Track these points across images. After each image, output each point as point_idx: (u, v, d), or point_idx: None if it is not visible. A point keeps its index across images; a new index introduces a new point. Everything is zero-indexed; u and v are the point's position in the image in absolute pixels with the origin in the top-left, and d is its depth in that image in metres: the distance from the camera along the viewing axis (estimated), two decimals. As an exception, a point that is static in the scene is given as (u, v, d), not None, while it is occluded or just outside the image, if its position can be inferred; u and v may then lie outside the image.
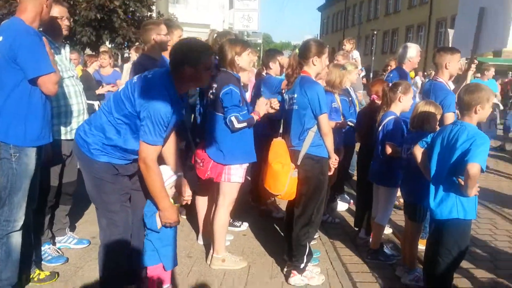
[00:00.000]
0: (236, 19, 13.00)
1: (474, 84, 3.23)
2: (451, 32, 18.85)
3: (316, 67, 3.66)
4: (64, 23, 3.63)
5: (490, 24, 4.52)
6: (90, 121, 2.93)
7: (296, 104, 3.61)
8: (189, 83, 2.95)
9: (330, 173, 3.77)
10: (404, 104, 4.06)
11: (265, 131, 4.61)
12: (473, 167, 2.76)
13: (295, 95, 3.62)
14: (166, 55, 3.95)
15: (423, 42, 31.23)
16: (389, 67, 7.29)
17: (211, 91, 3.78)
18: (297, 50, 3.77)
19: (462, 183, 2.90)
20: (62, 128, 3.69)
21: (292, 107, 3.67)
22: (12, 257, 3.01)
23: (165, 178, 3.00)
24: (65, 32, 3.68)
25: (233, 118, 3.60)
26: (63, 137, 3.69)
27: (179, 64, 2.83)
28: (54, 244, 3.96)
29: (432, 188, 3.16)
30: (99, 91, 6.93)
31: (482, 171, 2.80)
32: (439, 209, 3.09)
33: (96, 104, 6.74)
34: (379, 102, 4.45)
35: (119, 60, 15.53)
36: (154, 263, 3.15)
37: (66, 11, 3.65)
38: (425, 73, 18.15)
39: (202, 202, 4.39)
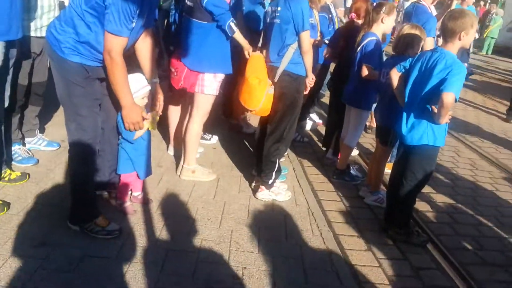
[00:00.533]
0: None
1: (459, 10, 3.21)
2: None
3: None
4: None
5: None
6: (60, 17, 2.73)
7: (279, 18, 3.48)
8: None
9: (306, 92, 3.77)
10: (386, 25, 3.97)
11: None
12: (448, 96, 2.81)
13: (279, 8, 3.48)
14: None
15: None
16: None
17: None
18: None
19: (436, 110, 2.96)
20: (32, 24, 3.47)
21: (273, 20, 3.55)
22: None
23: (138, 87, 2.93)
24: None
25: (232, 24, 3.53)
26: (32, 34, 3.49)
27: None
28: (24, 145, 3.90)
29: (404, 114, 3.22)
30: None
31: (455, 100, 2.86)
32: (410, 135, 3.17)
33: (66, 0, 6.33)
34: (358, 21, 4.38)
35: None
36: (128, 171, 3.20)
37: None
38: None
39: (174, 113, 4.36)
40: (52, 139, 4.20)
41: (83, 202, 2.96)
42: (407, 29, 3.66)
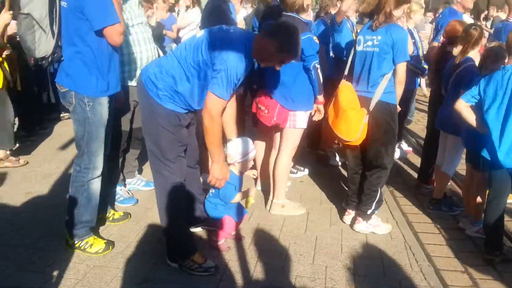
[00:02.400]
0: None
1: None
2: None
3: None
4: None
5: None
6: (160, 64, 2.92)
7: (377, 46, 3.45)
8: (258, 54, 2.88)
9: None
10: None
11: (332, 73, 4.53)
12: None
13: (378, 37, 3.44)
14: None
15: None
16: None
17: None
18: None
19: None
20: (132, 75, 3.75)
21: (369, 49, 3.52)
22: (92, 202, 3.17)
23: (248, 149, 3.11)
24: None
25: (317, 65, 3.61)
26: (134, 84, 3.76)
27: (271, 33, 2.87)
28: (125, 186, 4.15)
29: (494, 139, 3.05)
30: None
31: None
32: (509, 158, 3.00)
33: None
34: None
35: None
36: (218, 216, 3.28)
37: None
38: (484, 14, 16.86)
39: (259, 148, 4.43)
40: (148, 179, 4.43)
41: (178, 241, 3.08)
42: (492, 48, 3.52)
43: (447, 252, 3.51)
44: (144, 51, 3.77)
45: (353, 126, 3.56)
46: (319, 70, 3.67)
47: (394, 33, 3.37)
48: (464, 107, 3.26)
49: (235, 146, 3.14)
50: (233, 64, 2.69)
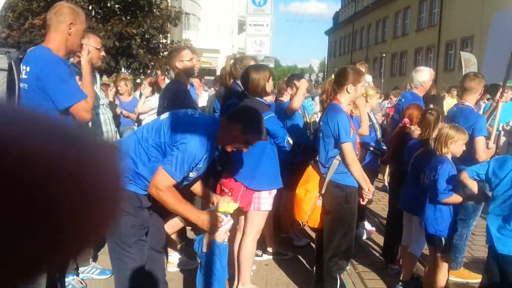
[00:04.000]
0: (248, 44, 13.10)
1: None
2: (463, 54, 18.86)
3: (350, 95, 3.57)
4: (100, 54, 3.65)
5: None
6: (120, 146, 2.86)
7: (321, 131, 3.57)
8: (223, 139, 2.89)
9: (363, 203, 3.68)
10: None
11: (287, 158, 4.55)
12: None
13: (321, 123, 3.59)
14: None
15: (433, 64, 31.22)
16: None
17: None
18: (333, 76, 3.72)
19: None
20: None
21: (319, 134, 3.64)
22: None
23: (225, 221, 2.96)
24: (99, 63, 3.69)
25: (289, 139, 3.65)
26: None
27: (234, 117, 2.88)
28: (77, 275, 3.87)
29: (492, 223, 3.06)
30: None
31: None
32: (502, 243, 2.99)
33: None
34: (410, 126, 4.39)
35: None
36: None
37: (100, 42, 3.67)
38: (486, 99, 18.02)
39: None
40: (105, 266, 4.17)
41: None
42: (444, 128, 3.61)
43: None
44: (105, 132, 3.72)
45: (302, 207, 3.62)
46: (291, 141, 3.70)
47: (329, 117, 3.45)
48: (469, 180, 3.28)
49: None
50: (193, 148, 2.65)
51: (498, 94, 4.58)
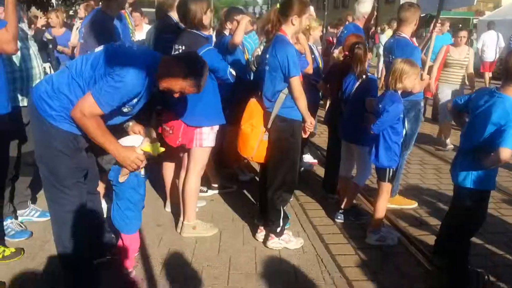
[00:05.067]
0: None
1: None
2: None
3: (295, 27, 3.48)
4: None
5: None
6: (52, 82, 2.64)
7: (268, 65, 3.48)
8: (162, 76, 2.73)
9: (305, 136, 3.72)
10: None
11: (230, 93, 4.49)
12: (506, 152, 2.72)
13: (267, 56, 3.48)
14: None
15: (376, -4, 31.17)
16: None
17: (175, 54, 3.60)
18: (278, 5, 3.57)
19: (486, 160, 2.88)
20: (19, 95, 3.41)
21: (264, 67, 3.54)
22: None
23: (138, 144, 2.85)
24: None
25: (232, 70, 3.56)
26: (21, 104, 3.44)
27: (181, 58, 2.79)
28: (16, 218, 3.76)
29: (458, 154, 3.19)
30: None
31: None
32: (456, 174, 3.12)
33: (47, 66, 6.33)
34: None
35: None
36: (128, 231, 3.03)
37: None
38: (379, 28, 18.23)
39: (168, 170, 4.28)
40: (45, 208, 4.04)
41: (80, 276, 2.82)
42: (397, 63, 3.62)
43: (357, 262, 3.59)
44: (31, 68, 3.46)
45: (249, 142, 3.61)
46: (234, 73, 3.63)
47: (278, 51, 3.37)
48: (451, 109, 3.37)
49: (125, 143, 2.83)
50: (128, 80, 2.50)
51: (432, 25, 4.65)
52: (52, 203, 2.74)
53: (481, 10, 24.59)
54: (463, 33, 6.87)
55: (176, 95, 2.86)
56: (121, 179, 2.83)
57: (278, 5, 3.57)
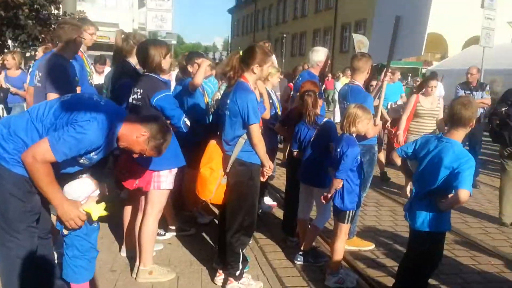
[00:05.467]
0: (149, 19, 12.59)
1: (468, 99, 3.26)
2: (355, 36, 19.89)
3: (256, 76, 3.57)
4: None
5: (406, 32, 4.73)
6: (9, 124, 2.60)
7: (228, 110, 3.52)
8: (123, 135, 2.75)
9: (263, 179, 3.75)
10: None
11: (188, 136, 4.49)
12: (464, 194, 2.83)
13: (228, 101, 3.54)
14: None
15: (329, 45, 32.57)
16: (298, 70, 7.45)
17: (133, 97, 3.62)
18: (240, 53, 3.65)
19: (444, 203, 3.00)
20: None
21: (224, 112, 3.59)
22: None
23: (89, 192, 2.79)
24: None
25: (186, 120, 3.57)
26: None
27: (146, 121, 2.82)
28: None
29: (412, 199, 3.27)
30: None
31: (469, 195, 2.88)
32: (412, 218, 3.20)
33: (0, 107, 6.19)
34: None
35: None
36: (79, 280, 2.92)
37: None
38: (332, 75, 18.98)
39: (125, 212, 4.19)
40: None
41: None
42: (351, 108, 3.79)
43: (317, 304, 3.57)
44: None
45: (208, 186, 3.60)
46: (188, 122, 3.64)
47: (239, 97, 3.42)
48: (397, 159, 3.47)
49: (73, 186, 2.77)
50: (91, 132, 2.50)
51: (383, 74, 4.90)
52: (1, 246, 2.62)
53: (429, 60, 26.12)
54: (433, 83, 6.67)
55: (135, 156, 2.86)
56: (65, 231, 2.76)
57: (240, 52, 3.67)
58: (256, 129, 3.47)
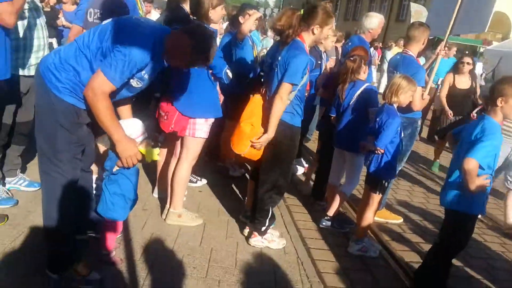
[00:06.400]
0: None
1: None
2: (413, 6, 19.02)
3: (315, 37, 3.46)
4: None
5: (471, 7, 4.49)
6: (60, 54, 2.63)
7: (277, 66, 3.42)
8: (171, 50, 2.71)
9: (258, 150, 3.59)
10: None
11: (233, 88, 4.50)
12: (467, 162, 2.75)
13: (279, 58, 3.42)
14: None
15: (386, 12, 31.31)
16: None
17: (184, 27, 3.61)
18: (301, 11, 3.50)
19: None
20: (20, 64, 3.39)
21: (273, 67, 3.49)
22: None
23: (137, 133, 2.85)
24: None
25: (228, 71, 3.54)
26: (21, 73, 3.42)
27: (189, 31, 2.75)
28: (3, 185, 3.74)
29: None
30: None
31: (482, 168, 2.78)
32: (443, 195, 3.15)
33: (54, 41, 6.32)
34: None
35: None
36: (113, 216, 3.03)
37: None
38: (380, 45, 18.33)
39: (161, 155, 4.28)
40: (33, 179, 4.04)
41: (61, 248, 2.80)
42: (396, 77, 3.70)
43: (337, 269, 3.61)
44: (36, 38, 3.45)
45: (243, 140, 3.52)
46: (230, 74, 3.64)
47: (291, 57, 3.29)
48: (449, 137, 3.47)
49: (125, 124, 2.82)
50: (136, 51, 2.49)
51: (439, 48, 4.69)
52: (45, 174, 2.72)
53: (489, 39, 24.76)
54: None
55: (185, 68, 2.83)
56: (116, 168, 2.82)
57: (301, 11, 3.51)
58: (285, 89, 3.31)
